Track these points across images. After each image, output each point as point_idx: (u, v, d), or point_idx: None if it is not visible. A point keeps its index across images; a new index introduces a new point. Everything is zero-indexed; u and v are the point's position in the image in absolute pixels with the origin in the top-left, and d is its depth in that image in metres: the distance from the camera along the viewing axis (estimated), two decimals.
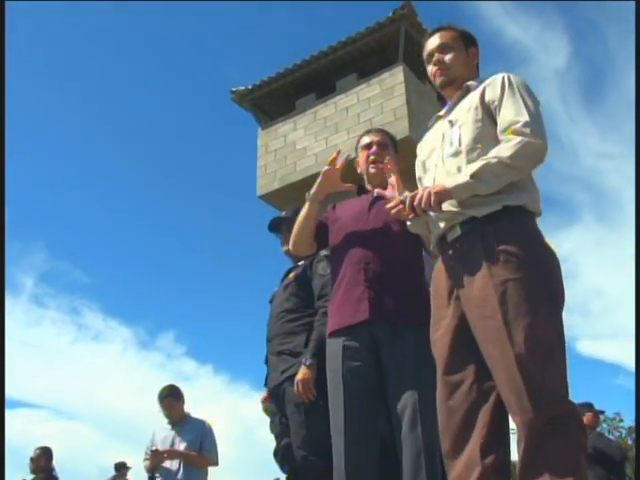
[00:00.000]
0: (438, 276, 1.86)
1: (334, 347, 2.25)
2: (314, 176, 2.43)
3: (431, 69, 2.03)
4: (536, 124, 1.73)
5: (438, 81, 2.02)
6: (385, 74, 10.69)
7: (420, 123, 10.26)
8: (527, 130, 1.71)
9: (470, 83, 1.96)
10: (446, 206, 1.77)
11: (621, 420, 15.30)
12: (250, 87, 12.00)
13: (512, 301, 1.60)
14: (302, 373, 2.66)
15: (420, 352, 2.10)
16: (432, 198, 1.71)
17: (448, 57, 1.99)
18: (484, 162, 1.70)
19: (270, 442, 2.97)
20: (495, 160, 1.69)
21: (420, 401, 2.05)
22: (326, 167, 2.41)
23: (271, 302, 3.20)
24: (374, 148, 2.48)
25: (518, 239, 1.69)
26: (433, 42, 2.02)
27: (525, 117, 1.73)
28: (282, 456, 2.87)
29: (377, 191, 2.23)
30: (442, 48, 2.00)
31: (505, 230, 1.70)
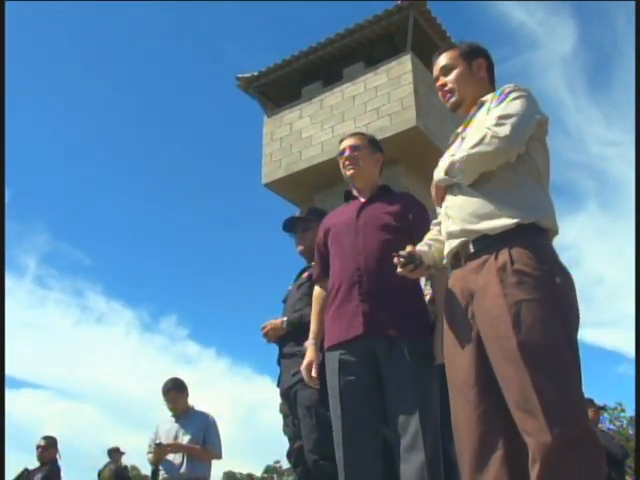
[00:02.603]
0: (453, 291, 1.85)
1: (331, 361, 2.27)
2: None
3: (440, 94, 2.07)
4: (513, 119, 1.72)
5: (448, 105, 2.05)
6: (393, 63, 10.57)
7: (427, 113, 10.16)
8: (501, 121, 1.72)
9: (484, 99, 1.94)
10: (459, 223, 1.80)
11: (622, 410, 15.31)
12: (256, 74, 11.88)
13: (526, 322, 1.60)
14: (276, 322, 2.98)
15: (419, 366, 2.11)
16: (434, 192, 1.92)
17: (450, 78, 2.01)
18: (451, 160, 1.80)
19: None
20: (458, 157, 1.78)
21: (421, 415, 2.06)
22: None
23: (284, 301, 3.16)
24: (347, 152, 2.53)
25: (532, 259, 1.67)
26: (436, 66, 2.06)
27: (506, 112, 1.74)
28: (295, 458, 2.91)
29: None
30: (444, 70, 2.03)
31: (519, 249, 1.69)
